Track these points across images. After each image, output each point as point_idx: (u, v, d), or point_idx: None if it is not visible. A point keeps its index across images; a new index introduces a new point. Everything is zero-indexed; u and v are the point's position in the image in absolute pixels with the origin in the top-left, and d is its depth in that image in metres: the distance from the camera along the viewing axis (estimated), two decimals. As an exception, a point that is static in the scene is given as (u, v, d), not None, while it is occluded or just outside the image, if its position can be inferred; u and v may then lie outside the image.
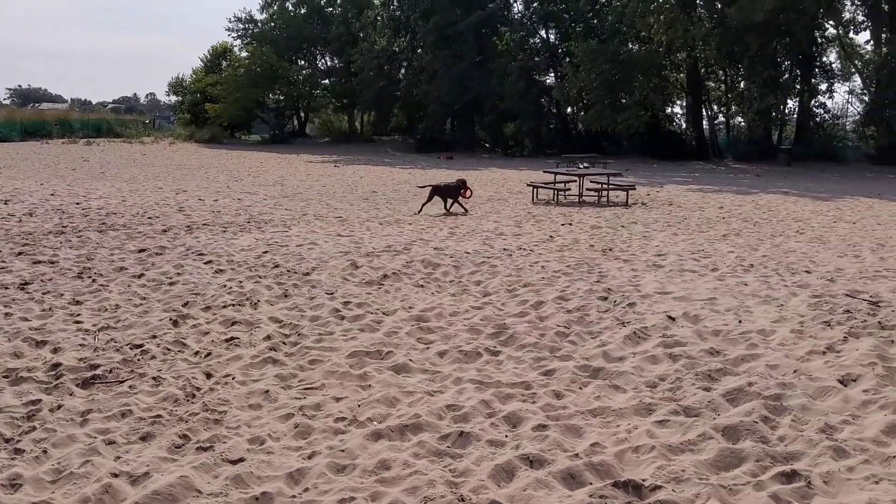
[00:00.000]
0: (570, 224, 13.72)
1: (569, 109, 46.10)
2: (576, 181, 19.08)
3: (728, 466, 3.94)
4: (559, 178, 19.07)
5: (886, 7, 33.38)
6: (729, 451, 4.06)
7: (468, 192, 15.91)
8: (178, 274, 8.46)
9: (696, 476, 3.78)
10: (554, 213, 15.49)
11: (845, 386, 5.08)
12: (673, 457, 4.02)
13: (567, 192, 18.79)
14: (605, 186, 18.47)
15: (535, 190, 18.70)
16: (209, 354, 5.70)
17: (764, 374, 5.25)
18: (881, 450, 4.12)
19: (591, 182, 19.21)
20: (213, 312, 6.85)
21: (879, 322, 6.65)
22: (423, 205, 15.33)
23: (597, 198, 18.47)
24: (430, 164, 35.16)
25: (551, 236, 12.00)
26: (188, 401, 4.78)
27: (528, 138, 43.93)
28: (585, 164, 24.44)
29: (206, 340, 6.02)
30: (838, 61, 41.29)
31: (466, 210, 15.47)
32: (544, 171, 21.54)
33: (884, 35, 33.91)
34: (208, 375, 5.25)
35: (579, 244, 11.23)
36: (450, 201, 15.50)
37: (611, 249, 10.77)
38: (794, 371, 5.34)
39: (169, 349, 5.78)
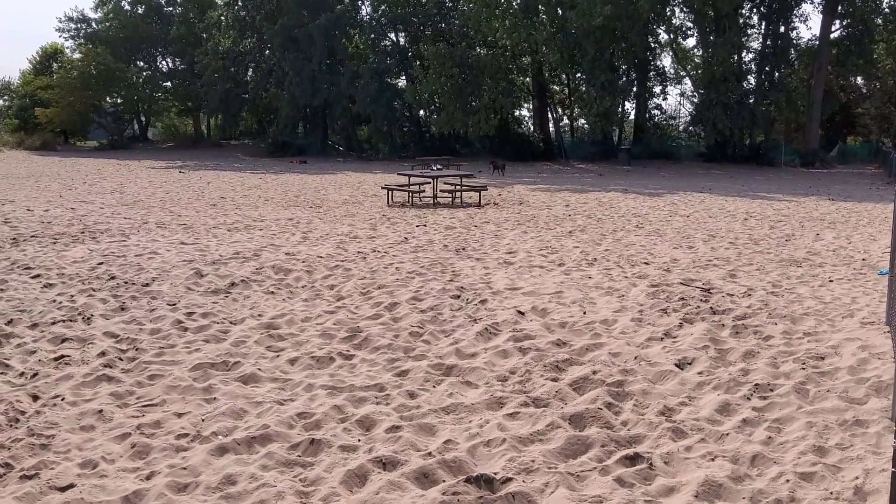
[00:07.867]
0: (425, 225, 13.81)
1: (421, 112, 46.51)
2: (430, 183, 19.26)
3: (575, 454, 4.04)
4: (414, 180, 19.19)
5: (712, 13, 35.98)
6: (576, 438, 4.18)
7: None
8: (2, 290, 7.74)
9: (546, 465, 3.85)
10: (409, 215, 15.54)
11: (681, 369, 5.38)
12: (523, 448, 4.08)
13: (422, 195, 18.96)
14: (458, 188, 18.77)
15: (390, 192, 18.69)
16: (36, 375, 5.23)
17: (607, 362, 5.46)
18: (715, 428, 4.38)
19: (445, 184, 19.47)
20: (40, 330, 6.31)
21: (711, 308, 7.12)
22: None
23: (451, 199, 18.73)
24: (282, 168, 34.39)
25: (406, 238, 12.01)
26: (11, 426, 4.36)
27: (382, 141, 43.86)
28: (439, 167, 24.75)
29: (33, 360, 5.53)
30: (671, 65, 44.34)
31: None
32: (399, 174, 21.62)
33: (712, 38, 36.56)
34: (35, 398, 4.82)
35: (433, 245, 11.31)
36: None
37: (464, 249, 10.91)
38: (635, 357, 5.59)
39: (-12, 372, 5.25)
